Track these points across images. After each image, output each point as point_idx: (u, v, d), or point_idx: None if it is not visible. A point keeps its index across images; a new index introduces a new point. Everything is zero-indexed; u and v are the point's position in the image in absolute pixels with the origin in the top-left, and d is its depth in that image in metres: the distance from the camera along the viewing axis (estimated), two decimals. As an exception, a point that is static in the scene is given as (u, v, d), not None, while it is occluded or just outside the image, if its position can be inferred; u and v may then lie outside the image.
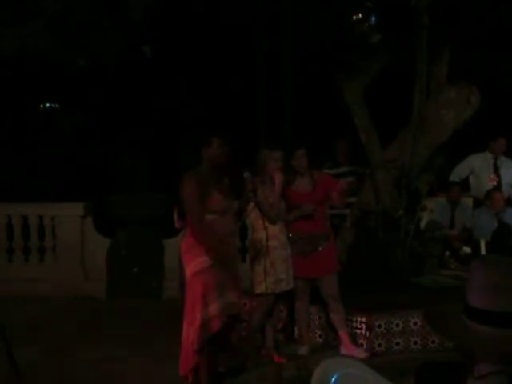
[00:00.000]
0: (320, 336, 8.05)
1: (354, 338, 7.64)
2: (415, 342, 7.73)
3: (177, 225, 6.61)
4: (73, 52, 9.61)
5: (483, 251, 9.71)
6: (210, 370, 6.26)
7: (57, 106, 18.46)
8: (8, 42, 9.35)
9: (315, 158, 7.89)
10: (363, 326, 7.68)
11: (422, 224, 10.33)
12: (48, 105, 18.58)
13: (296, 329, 8.00)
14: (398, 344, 7.71)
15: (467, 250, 10.19)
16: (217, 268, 6.15)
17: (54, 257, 11.20)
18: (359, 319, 7.71)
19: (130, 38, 9.74)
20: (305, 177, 7.62)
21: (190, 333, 6.15)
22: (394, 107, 10.44)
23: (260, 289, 7.17)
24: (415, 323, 7.71)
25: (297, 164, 7.57)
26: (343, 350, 7.50)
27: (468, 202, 11.08)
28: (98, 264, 10.94)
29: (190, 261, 6.22)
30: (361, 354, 7.35)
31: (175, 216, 6.55)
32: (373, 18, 9.27)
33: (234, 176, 6.58)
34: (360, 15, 9.27)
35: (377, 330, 7.68)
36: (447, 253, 10.10)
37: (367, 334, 7.65)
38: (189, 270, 6.23)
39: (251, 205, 7.11)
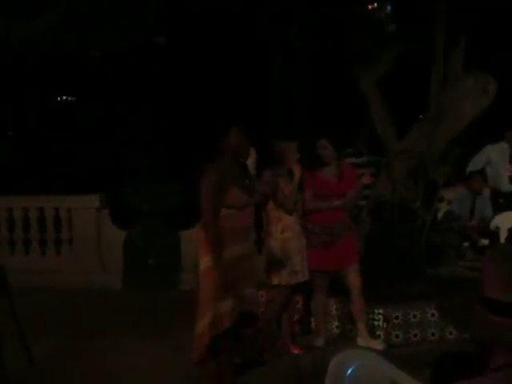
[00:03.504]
0: (337, 327, 8.02)
1: (371, 330, 7.61)
2: (432, 334, 7.69)
3: None
4: (86, 44, 9.60)
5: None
6: (223, 362, 6.25)
7: (73, 98, 18.50)
8: (21, 36, 9.36)
9: (339, 147, 7.84)
10: (380, 317, 7.65)
11: (440, 215, 10.27)
12: (64, 97, 18.62)
13: (312, 320, 7.98)
14: (415, 335, 7.68)
15: (485, 241, 10.12)
16: (232, 263, 6.11)
17: (71, 249, 11.22)
18: (376, 311, 7.68)
19: (143, 29, 9.72)
20: (331, 166, 7.58)
21: (199, 325, 6.12)
22: (410, 97, 10.39)
23: (276, 281, 7.16)
24: (432, 314, 7.68)
25: (321, 154, 7.52)
26: (360, 342, 7.46)
27: (486, 193, 11.00)
28: (115, 255, 10.95)
29: (205, 255, 6.18)
30: (378, 345, 7.31)
31: None
32: (388, 7, 9.22)
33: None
34: (376, 4, 9.22)
35: (394, 321, 7.65)
36: (465, 244, 10.04)
37: (384, 326, 7.62)
38: (203, 264, 6.20)
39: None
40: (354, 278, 7.52)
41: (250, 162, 6.98)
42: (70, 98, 18.64)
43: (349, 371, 3.46)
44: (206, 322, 6.05)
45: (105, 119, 16.02)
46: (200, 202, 6.18)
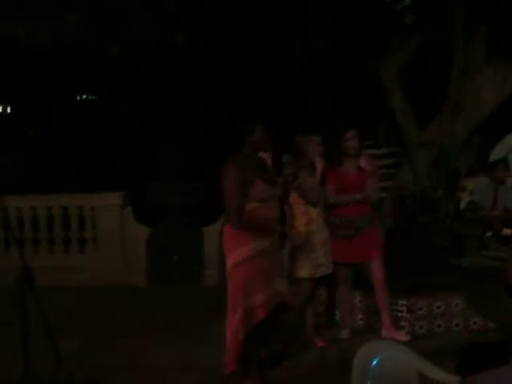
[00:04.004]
0: (361, 319, 8.04)
1: (395, 321, 7.61)
2: (457, 324, 7.68)
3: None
4: (107, 42, 9.64)
5: None
6: (254, 357, 6.28)
7: (94, 97, 18.58)
8: (43, 35, 9.42)
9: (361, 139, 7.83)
10: (404, 308, 7.65)
11: (462, 205, 10.23)
12: (85, 96, 18.71)
13: (337, 312, 8.00)
14: (439, 326, 7.67)
15: (508, 231, 10.07)
16: (260, 257, 6.13)
17: (94, 247, 11.27)
18: (400, 302, 7.68)
19: (163, 26, 9.75)
20: (353, 158, 7.56)
21: (231, 323, 6.14)
22: (431, 87, 10.36)
23: (301, 274, 7.17)
24: (457, 305, 7.67)
25: (348, 146, 7.51)
26: (385, 333, 7.47)
27: (510, 182, 10.93)
28: (138, 253, 11.00)
29: (232, 250, 6.19)
30: (402, 336, 7.32)
31: None
32: (407, -1, 9.20)
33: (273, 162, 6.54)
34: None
35: (418, 312, 7.65)
36: (488, 234, 10.00)
37: (408, 317, 7.62)
38: (230, 260, 6.21)
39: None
40: (376, 271, 7.52)
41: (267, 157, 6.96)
42: (90, 97, 18.72)
43: (374, 362, 3.48)
44: (240, 318, 6.08)
45: (128, 117, 16.07)
46: (224, 197, 6.20)
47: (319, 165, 7.20)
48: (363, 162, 7.57)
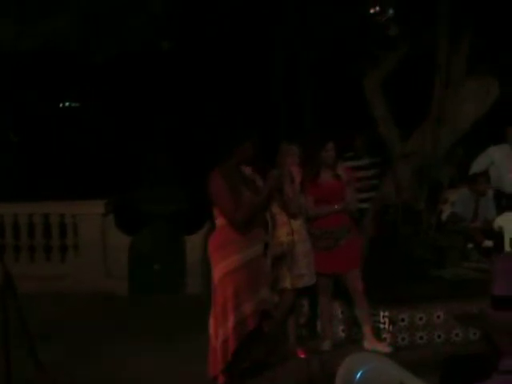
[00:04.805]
0: (343, 331, 8.03)
1: (377, 333, 7.62)
2: (439, 336, 7.70)
3: None
4: (93, 46, 9.62)
5: (507, 246, 9.64)
6: (240, 365, 6.28)
7: (76, 104, 18.50)
8: (30, 38, 9.37)
9: (340, 150, 7.85)
10: (386, 320, 7.65)
11: (444, 216, 10.27)
12: (68, 103, 18.64)
13: (319, 324, 7.99)
14: (421, 338, 7.69)
15: (489, 243, 10.12)
16: (247, 267, 6.14)
17: (76, 255, 11.23)
18: (382, 313, 7.69)
19: (149, 32, 9.74)
20: (330, 169, 7.57)
21: (219, 333, 6.14)
22: (413, 99, 10.40)
23: (283, 284, 7.16)
24: (438, 316, 7.69)
25: (326, 156, 7.51)
26: (366, 345, 7.47)
27: (489, 194, 11.00)
28: (120, 261, 10.96)
29: (220, 261, 6.19)
30: (384, 348, 7.32)
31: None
32: (391, 11, 9.24)
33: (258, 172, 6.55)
34: (378, 8, 9.23)
35: (400, 323, 7.66)
36: (470, 245, 10.04)
37: (390, 328, 7.63)
38: (218, 271, 6.21)
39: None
40: (355, 282, 7.52)
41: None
42: (73, 104, 18.64)
43: (358, 375, 3.48)
44: (231, 327, 6.07)
45: (112, 125, 16.02)
46: (215, 201, 6.19)
47: (297, 175, 7.21)
48: (340, 170, 7.57)
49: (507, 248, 9.68)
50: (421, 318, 7.69)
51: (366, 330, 7.52)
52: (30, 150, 16.41)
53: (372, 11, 9.39)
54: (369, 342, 7.46)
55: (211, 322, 6.26)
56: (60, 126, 16.83)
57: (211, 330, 6.25)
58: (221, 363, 6.17)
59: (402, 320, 7.66)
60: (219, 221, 6.32)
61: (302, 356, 7.32)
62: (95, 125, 16.32)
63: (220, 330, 6.12)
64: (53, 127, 16.74)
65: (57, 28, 9.08)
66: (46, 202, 11.57)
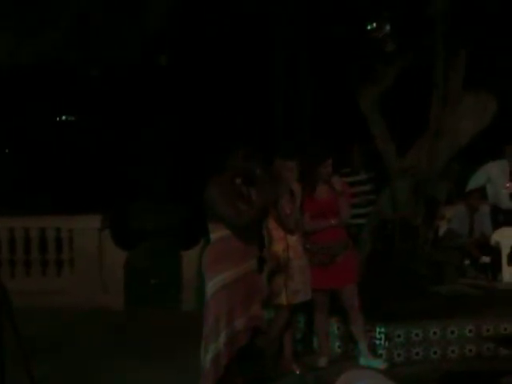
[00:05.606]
0: (339, 347, 8.00)
1: (373, 349, 7.59)
2: (435, 352, 7.67)
3: None
4: (88, 61, 9.63)
5: (504, 262, 9.65)
6: (232, 381, 6.24)
7: (72, 118, 18.50)
8: (24, 52, 9.38)
9: (337, 166, 7.85)
10: (382, 336, 7.63)
11: (441, 232, 10.28)
12: (64, 117, 18.63)
13: (315, 340, 7.96)
14: (417, 354, 7.65)
15: (486, 258, 10.13)
16: (241, 282, 6.11)
17: (72, 269, 11.21)
18: (378, 329, 7.66)
19: (145, 46, 9.75)
20: (326, 184, 7.54)
21: (212, 349, 6.10)
22: (410, 115, 10.41)
23: (279, 300, 7.13)
24: (435, 333, 7.66)
25: (324, 172, 7.48)
26: (362, 361, 7.44)
27: (486, 209, 11.01)
28: (116, 276, 10.94)
29: (215, 275, 6.16)
30: (380, 364, 7.29)
31: None
32: (388, 27, 9.26)
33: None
34: (375, 24, 9.26)
35: (396, 339, 7.63)
36: (467, 261, 10.05)
37: (386, 344, 7.60)
38: (212, 285, 6.18)
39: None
40: (350, 298, 7.49)
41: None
42: (69, 118, 18.63)
43: (354, 392, 3.46)
44: (223, 342, 6.04)
45: (106, 138, 16.00)
46: (214, 207, 6.14)
47: (297, 191, 7.20)
48: (334, 182, 7.53)
49: (504, 263, 9.71)
50: (417, 334, 7.66)
51: (362, 346, 7.49)
52: (25, 163, 16.37)
53: (369, 27, 9.42)
54: (365, 358, 7.43)
55: (202, 343, 6.20)
56: (56, 139, 16.81)
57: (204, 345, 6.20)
58: (210, 379, 6.12)
59: (398, 336, 7.63)
60: (214, 235, 6.29)
61: (298, 372, 7.29)
62: (92, 139, 16.29)
63: (213, 345, 6.08)
64: (49, 141, 16.72)
65: (53, 41, 9.09)
66: (42, 216, 11.55)
